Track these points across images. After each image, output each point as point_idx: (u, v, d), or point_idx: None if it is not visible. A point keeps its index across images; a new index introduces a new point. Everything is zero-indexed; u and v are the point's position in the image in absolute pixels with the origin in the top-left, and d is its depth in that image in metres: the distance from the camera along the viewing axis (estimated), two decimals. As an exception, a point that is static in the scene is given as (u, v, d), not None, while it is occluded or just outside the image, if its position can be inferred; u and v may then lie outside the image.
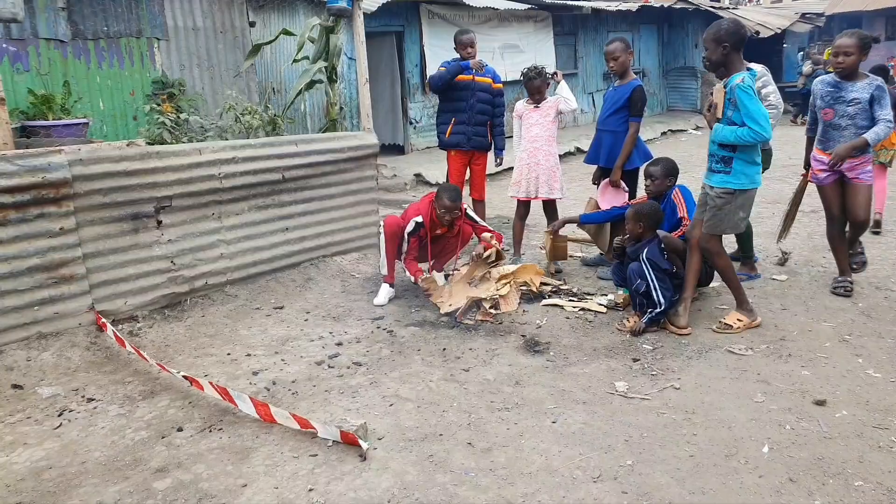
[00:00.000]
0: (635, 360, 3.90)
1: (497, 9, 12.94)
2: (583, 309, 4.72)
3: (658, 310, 4.25)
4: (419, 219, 4.95)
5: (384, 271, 5.09)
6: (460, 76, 6.04)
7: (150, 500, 2.70)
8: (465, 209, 5.13)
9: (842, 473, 2.76)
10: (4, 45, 6.36)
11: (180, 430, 3.25)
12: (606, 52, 5.43)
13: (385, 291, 5.06)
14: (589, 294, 5.02)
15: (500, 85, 6.17)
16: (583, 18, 15.38)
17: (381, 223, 4.95)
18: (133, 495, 2.73)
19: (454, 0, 12.16)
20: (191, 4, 7.87)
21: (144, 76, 7.64)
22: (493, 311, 4.60)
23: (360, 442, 2.94)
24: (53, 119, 5.81)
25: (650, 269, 4.28)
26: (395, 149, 12.33)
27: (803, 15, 19.65)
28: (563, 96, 5.56)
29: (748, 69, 4.04)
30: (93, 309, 4.39)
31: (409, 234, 4.93)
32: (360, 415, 3.31)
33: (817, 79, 4.89)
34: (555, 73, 5.71)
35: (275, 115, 6.10)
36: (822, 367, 3.72)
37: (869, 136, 4.45)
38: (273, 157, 5.34)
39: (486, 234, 5.02)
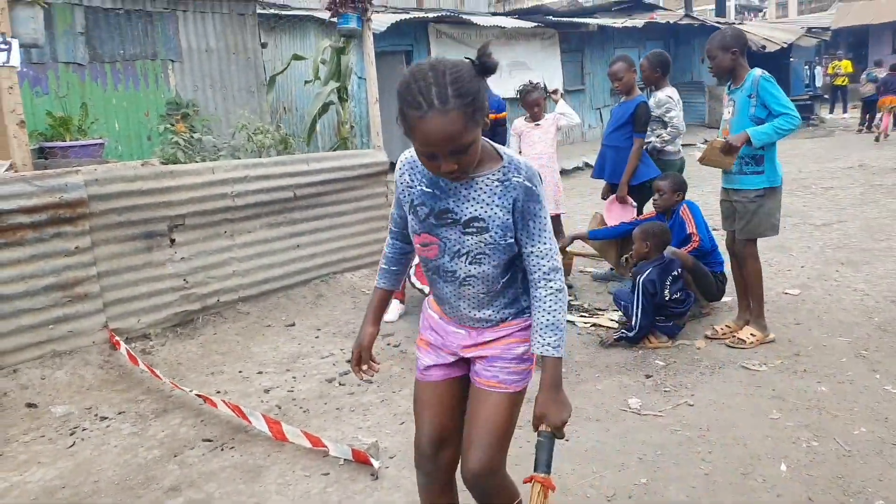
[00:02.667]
0: (648, 377, 3.87)
1: (504, 27, 13.08)
2: (594, 325, 4.71)
3: (630, 334, 4.28)
4: None
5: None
6: None
7: (162, 518, 2.71)
8: None
9: (862, 492, 2.72)
10: (25, 69, 6.48)
11: (192, 448, 3.26)
12: (610, 73, 5.47)
13: (395, 307, 5.07)
14: (600, 310, 5.01)
15: (504, 114, 6.00)
16: (589, 35, 15.51)
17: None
18: (146, 514, 2.74)
19: (462, 19, 12.29)
20: (204, 27, 8.00)
21: (159, 97, 7.75)
22: None
23: (372, 460, 2.93)
24: (71, 140, 5.90)
25: (640, 294, 4.26)
26: (405, 166, 12.40)
27: (809, 29, 19.68)
28: (564, 112, 5.62)
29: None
30: (106, 327, 4.43)
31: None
32: (372, 433, 3.30)
33: None
34: (554, 90, 5.72)
35: (286, 135, 6.15)
36: (839, 383, 3.68)
37: None
38: (285, 175, 5.39)
39: None
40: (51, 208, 4.13)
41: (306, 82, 8.89)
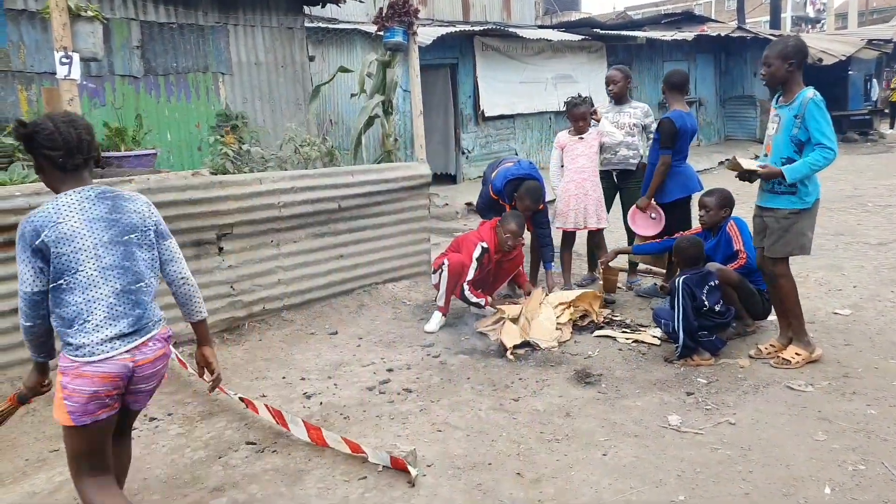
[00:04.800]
0: (689, 394, 3.82)
1: (550, 40, 13.08)
2: (636, 341, 4.66)
3: (679, 346, 4.23)
4: (485, 244, 5.03)
5: (440, 303, 5.12)
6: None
7: (206, 518, 2.79)
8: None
9: (909, 518, 2.64)
10: (84, 82, 6.76)
11: (236, 450, 3.35)
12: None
13: (437, 319, 5.11)
14: (642, 326, 4.96)
15: (542, 207, 5.48)
16: (637, 48, 15.39)
17: (445, 262, 5.02)
18: (191, 513, 2.82)
19: (508, 32, 12.34)
20: (254, 41, 8.23)
21: (209, 109, 7.99)
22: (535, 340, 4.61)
23: (410, 468, 2.97)
24: (125, 150, 6.11)
25: (679, 295, 4.20)
26: (447, 178, 12.49)
27: (870, 41, 19.10)
28: (606, 131, 5.62)
29: None
30: (157, 331, 4.57)
31: (476, 258, 4.99)
32: (410, 441, 3.34)
33: None
34: (594, 111, 5.71)
35: (332, 147, 6.28)
36: (890, 406, 3.57)
37: None
38: (329, 186, 5.50)
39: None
40: (107, 216, 4.30)
41: (352, 95, 9.04)
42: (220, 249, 4.94)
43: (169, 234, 2.51)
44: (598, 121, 5.63)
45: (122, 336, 2.26)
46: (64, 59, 4.24)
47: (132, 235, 2.36)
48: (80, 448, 2.29)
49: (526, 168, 5.53)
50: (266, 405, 3.59)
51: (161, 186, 4.59)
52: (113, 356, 2.23)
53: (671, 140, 5.25)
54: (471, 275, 5.00)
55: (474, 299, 5.04)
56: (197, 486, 3.03)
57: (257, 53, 8.24)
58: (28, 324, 2.29)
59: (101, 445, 2.32)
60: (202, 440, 3.48)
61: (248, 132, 7.51)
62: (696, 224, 5.16)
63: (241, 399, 3.74)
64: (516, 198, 5.36)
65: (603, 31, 14.33)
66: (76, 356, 2.20)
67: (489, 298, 5.15)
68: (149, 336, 2.34)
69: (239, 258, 5.04)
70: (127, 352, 2.26)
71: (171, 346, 2.51)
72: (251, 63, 8.15)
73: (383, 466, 3.08)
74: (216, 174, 5.30)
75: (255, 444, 3.41)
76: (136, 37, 7.40)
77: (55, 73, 4.41)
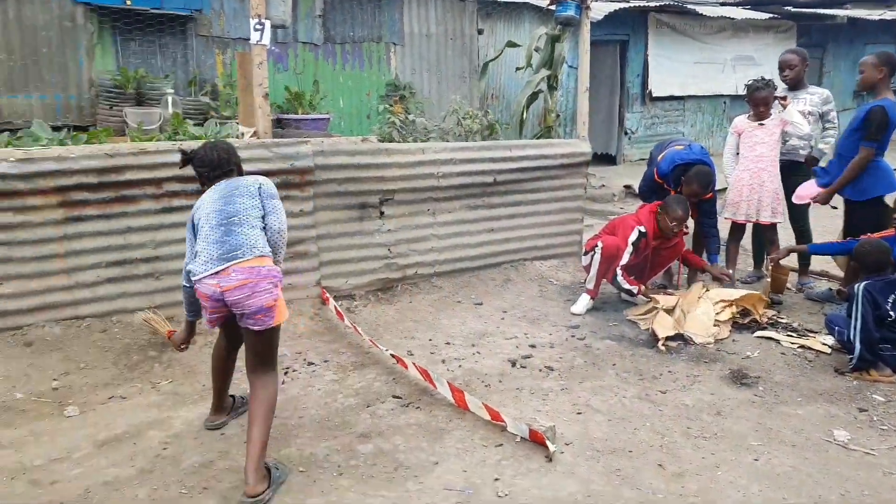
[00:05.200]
0: (862, 411, 3.49)
1: (733, 18, 12.20)
2: (803, 346, 4.32)
3: (855, 357, 3.84)
4: (643, 228, 4.86)
5: (590, 286, 5.02)
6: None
7: (353, 460, 2.97)
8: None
9: None
10: (272, 48, 7.30)
11: (383, 402, 3.53)
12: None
13: (584, 301, 5.03)
14: (811, 331, 4.58)
15: (710, 195, 5.25)
16: (835, 29, 13.91)
17: (599, 244, 4.91)
18: (340, 453, 3.03)
19: (686, 9, 11.67)
20: (427, 12, 8.42)
21: (380, 78, 8.33)
22: (690, 333, 4.40)
23: (548, 443, 2.98)
24: (302, 113, 6.56)
25: (859, 302, 3.80)
26: (606, 158, 12.16)
27: None
28: (793, 121, 5.11)
29: None
30: (319, 284, 4.90)
31: (633, 242, 4.85)
32: (549, 417, 3.35)
33: None
34: (783, 97, 5.22)
35: (494, 121, 6.32)
36: None
37: None
38: (488, 160, 5.55)
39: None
40: (283, 173, 4.64)
41: (517, 69, 9.01)
42: (382, 214, 5.17)
43: (274, 195, 3.01)
44: (786, 107, 5.16)
45: (210, 260, 2.78)
46: (258, 26, 4.58)
47: (235, 190, 2.92)
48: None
49: (697, 153, 5.21)
50: (414, 363, 3.75)
51: (333, 150, 4.87)
52: (202, 278, 2.78)
53: (879, 131, 4.67)
54: (625, 259, 4.85)
55: (626, 286, 4.90)
56: (346, 430, 3.24)
57: (429, 25, 8.45)
58: (184, 284, 3.00)
59: (229, 335, 3.08)
60: (353, 388, 3.71)
61: (415, 102, 7.75)
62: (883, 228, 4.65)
63: (392, 355, 3.93)
64: (683, 182, 5.09)
65: (795, 9, 13.07)
66: (193, 280, 2.84)
67: (642, 287, 4.96)
68: (234, 262, 2.76)
69: (398, 223, 5.25)
70: (212, 276, 2.76)
71: (267, 281, 2.79)
72: (422, 34, 8.37)
73: (521, 438, 3.11)
74: (383, 142, 5.52)
75: (400, 398, 3.58)
76: (319, 6, 7.84)
77: (248, 39, 4.80)
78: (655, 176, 5.34)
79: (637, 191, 9.19)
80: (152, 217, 4.29)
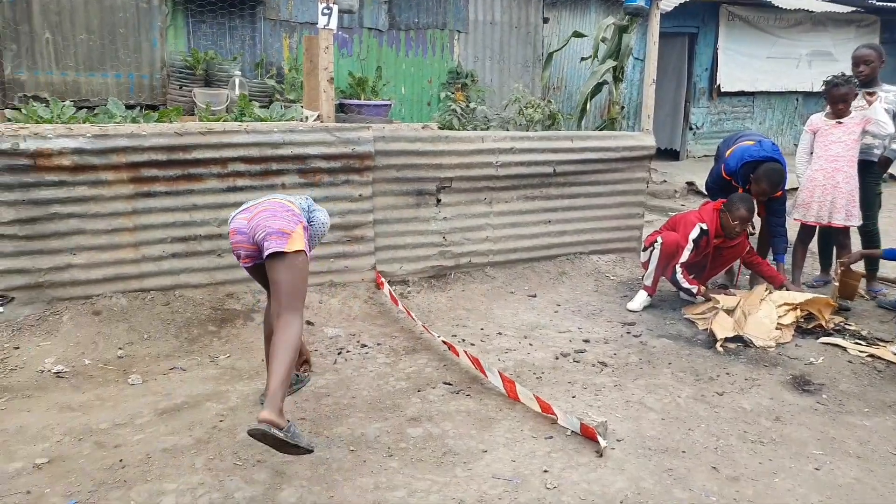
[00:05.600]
0: (932, 425, 3.33)
1: (811, 11, 11.69)
2: (872, 356, 4.14)
3: None
4: (704, 225, 4.73)
5: (647, 283, 4.93)
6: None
7: (403, 443, 3.00)
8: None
9: None
10: (338, 33, 7.39)
11: (434, 388, 3.55)
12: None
13: (641, 298, 4.94)
14: (882, 340, 4.38)
15: (780, 193, 5.04)
16: (919, 25, 13.20)
17: (659, 240, 4.80)
18: (390, 435, 3.06)
19: (761, 1, 11.25)
20: (492, 0, 8.36)
21: (442, 66, 8.33)
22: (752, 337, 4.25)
23: (599, 438, 2.94)
24: (365, 99, 6.62)
25: None
26: (669, 154, 11.88)
27: None
28: (878, 119, 4.86)
29: None
30: (374, 268, 4.95)
31: (693, 239, 4.73)
32: (601, 413, 3.30)
33: None
34: (871, 91, 4.97)
35: (556, 111, 6.24)
36: None
37: None
38: (548, 150, 5.49)
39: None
40: (344, 158, 4.69)
41: (582, 59, 8.88)
42: (438, 201, 5.17)
43: (317, 209, 3.34)
44: (871, 104, 4.92)
45: (247, 206, 3.05)
46: (325, 10, 4.63)
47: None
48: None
49: (768, 150, 5.00)
50: (466, 351, 3.75)
51: (394, 136, 4.90)
52: (235, 215, 3.04)
53: None
54: (685, 256, 4.73)
55: (686, 285, 4.78)
56: (396, 413, 3.27)
57: (493, 13, 8.39)
58: None
59: (262, 284, 3.19)
60: (405, 372, 3.74)
61: (476, 90, 7.71)
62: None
63: (444, 342, 3.94)
64: (752, 180, 4.91)
65: (880, 2, 12.43)
66: (229, 223, 3.07)
67: (702, 287, 4.83)
68: (266, 199, 3.02)
69: (453, 211, 5.25)
70: (244, 211, 3.02)
71: (290, 214, 2.95)
72: (486, 22, 8.32)
73: (571, 431, 3.08)
74: (443, 129, 5.52)
75: (451, 384, 3.59)
76: (386, -7, 7.87)
77: (315, 23, 4.85)
78: (723, 173, 5.17)
79: (699, 188, 8.96)
80: (217, 195, 4.40)
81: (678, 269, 4.75)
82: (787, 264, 5.24)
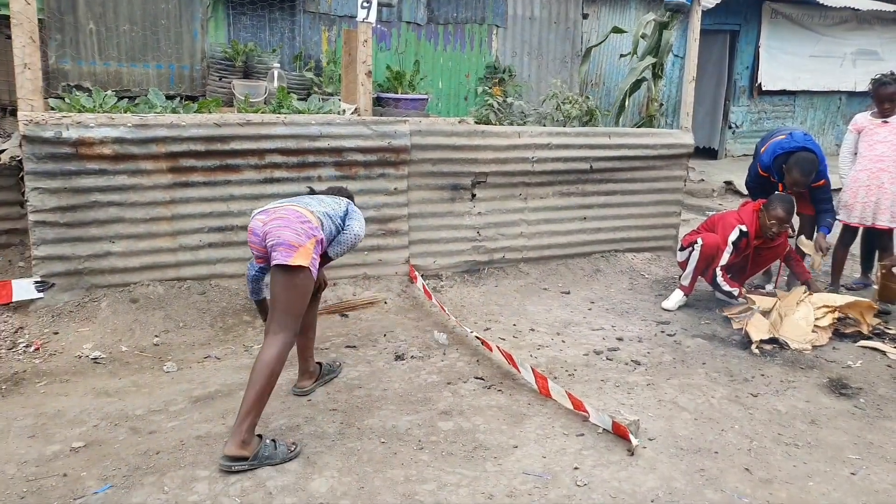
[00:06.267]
0: (976, 434, 3.23)
1: (858, 9, 11.38)
2: (912, 360, 4.04)
3: None
4: (744, 227, 4.66)
5: (685, 283, 4.86)
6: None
7: (433, 436, 3.01)
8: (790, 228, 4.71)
9: None
10: (377, 26, 7.42)
11: (466, 382, 3.55)
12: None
13: (677, 297, 4.88)
14: (924, 346, 4.27)
15: (822, 182, 4.93)
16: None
17: (699, 241, 4.73)
18: (421, 428, 3.07)
19: (806, -2, 11.00)
20: (531, -5, 8.31)
21: (480, 60, 8.30)
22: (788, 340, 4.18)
23: (631, 437, 2.91)
24: (402, 93, 6.63)
25: None
26: (707, 152, 11.69)
27: None
28: None
29: None
30: (408, 262, 4.97)
31: (733, 242, 4.66)
32: (634, 411, 3.27)
33: None
34: None
35: (594, 107, 6.18)
36: None
37: None
38: (585, 146, 5.45)
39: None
40: (380, 151, 4.72)
41: (621, 55, 8.78)
42: (473, 196, 5.17)
43: (355, 217, 3.24)
44: None
45: (268, 206, 3.01)
46: (364, 4, 4.66)
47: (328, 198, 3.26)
48: None
49: (799, 140, 4.88)
50: (499, 346, 3.75)
51: (431, 129, 4.91)
52: (255, 214, 2.99)
53: None
54: (724, 259, 4.66)
55: (726, 287, 4.69)
56: (428, 406, 3.29)
57: (533, 8, 8.34)
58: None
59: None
60: (437, 366, 3.75)
61: (513, 86, 7.68)
62: None
63: (477, 337, 3.94)
64: (784, 171, 4.82)
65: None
66: (251, 218, 3.02)
67: (742, 289, 4.74)
68: (284, 205, 2.96)
69: (488, 206, 5.24)
70: (262, 212, 2.96)
71: (302, 226, 2.87)
72: (525, 17, 8.27)
73: (603, 429, 3.06)
74: (479, 124, 5.51)
75: (483, 379, 3.59)
76: (424, -14, 7.88)
77: (354, 17, 4.88)
78: (759, 170, 5.08)
79: (738, 187, 8.81)
80: (254, 186, 4.46)
81: (718, 272, 4.68)
82: (828, 244, 5.06)
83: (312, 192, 3.30)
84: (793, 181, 4.76)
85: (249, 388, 2.72)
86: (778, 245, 4.81)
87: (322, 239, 2.95)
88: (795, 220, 5.06)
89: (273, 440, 2.78)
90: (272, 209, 2.96)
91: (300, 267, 2.81)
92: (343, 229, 3.12)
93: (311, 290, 2.95)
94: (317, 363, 3.46)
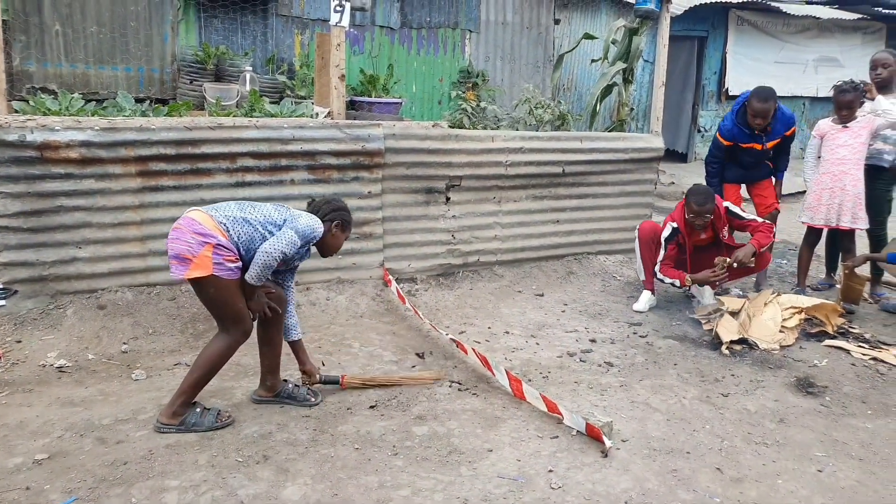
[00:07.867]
0: (937, 431, 3.32)
1: (818, 18, 11.65)
2: (875, 358, 4.13)
3: None
4: (675, 224, 4.73)
5: (641, 276, 4.97)
6: (748, 144, 5.16)
7: (408, 441, 3.00)
8: (727, 208, 4.74)
9: None
10: (350, 30, 7.40)
11: (440, 386, 3.55)
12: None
13: (646, 298, 4.94)
14: (886, 344, 4.37)
15: (791, 130, 5.24)
16: (929, 32, 13.14)
17: (637, 227, 4.82)
18: (395, 433, 3.06)
19: (769, 6, 11.22)
20: (504, 0, 8.36)
21: (453, 65, 8.33)
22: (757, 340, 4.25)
23: (605, 438, 2.94)
24: (376, 97, 6.60)
25: None
26: (677, 156, 11.86)
27: None
28: (884, 109, 4.88)
29: None
30: (382, 266, 4.96)
31: (665, 239, 4.73)
32: (607, 413, 3.30)
33: None
34: (869, 87, 5.01)
35: (566, 112, 6.24)
36: None
37: None
38: (557, 150, 5.49)
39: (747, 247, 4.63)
40: (354, 154, 4.71)
41: (592, 61, 8.89)
42: (447, 199, 5.18)
43: (298, 231, 3.00)
44: (873, 98, 4.94)
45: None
46: (338, 8, 4.64)
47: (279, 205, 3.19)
48: None
49: (747, 92, 5.14)
50: (474, 349, 3.76)
51: (405, 133, 4.91)
52: (184, 215, 2.94)
53: None
54: (660, 256, 4.75)
55: (668, 280, 4.76)
56: (402, 411, 3.28)
57: (506, 13, 8.39)
58: None
59: None
60: (417, 371, 3.74)
61: (487, 90, 7.71)
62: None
63: (453, 340, 3.94)
64: (747, 111, 4.98)
65: (887, 10, 12.39)
66: None
67: (686, 276, 4.70)
68: (192, 210, 2.94)
69: (462, 209, 5.26)
70: (177, 221, 2.95)
71: (194, 235, 2.83)
72: (498, 22, 8.32)
73: (577, 431, 3.09)
74: (453, 128, 5.52)
75: (458, 383, 3.59)
76: (398, -10, 7.88)
77: (327, 20, 4.86)
78: (720, 139, 5.22)
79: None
80: (225, 190, 4.41)
81: (657, 269, 4.77)
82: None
83: (312, 202, 3.26)
84: (755, 112, 4.91)
85: (189, 373, 3.00)
86: (718, 241, 4.82)
87: (221, 244, 2.84)
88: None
89: (204, 409, 3.04)
90: (181, 218, 2.92)
91: (204, 277, 2.84)
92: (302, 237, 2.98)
93: (233, 291, 2.93)
94: (284, 381, 3.35)
